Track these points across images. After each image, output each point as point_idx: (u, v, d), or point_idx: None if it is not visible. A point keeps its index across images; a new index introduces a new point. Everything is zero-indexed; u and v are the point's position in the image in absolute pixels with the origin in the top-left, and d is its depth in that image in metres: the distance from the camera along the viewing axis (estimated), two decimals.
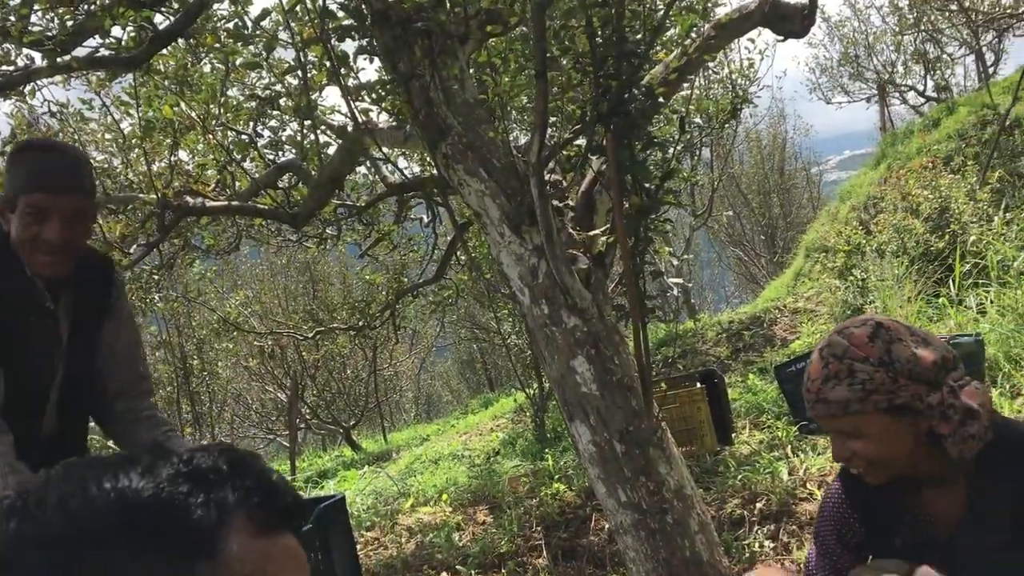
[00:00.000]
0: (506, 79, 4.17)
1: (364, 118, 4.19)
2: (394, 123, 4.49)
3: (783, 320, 9.10)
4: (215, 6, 4.15)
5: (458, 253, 6.57)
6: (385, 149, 5.05)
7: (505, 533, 4.79)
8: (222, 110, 4.71)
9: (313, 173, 4.75)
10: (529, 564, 4.43)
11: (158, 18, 3.62)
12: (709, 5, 4.75)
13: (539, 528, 4.77)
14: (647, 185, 3.03)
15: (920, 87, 18.20)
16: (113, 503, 0.67)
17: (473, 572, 4.42)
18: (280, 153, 5.00)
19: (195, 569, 0.67)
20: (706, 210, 12.58)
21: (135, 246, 5.11)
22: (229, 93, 4.86)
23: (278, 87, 4.58)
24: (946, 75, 17.56)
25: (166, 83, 4.65)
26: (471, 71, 3.39)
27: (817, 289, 9.57)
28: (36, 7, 3.55)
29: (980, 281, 6.40)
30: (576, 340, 3.09)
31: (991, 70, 16.44)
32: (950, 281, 6.65)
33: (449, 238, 6.47)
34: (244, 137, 4.81)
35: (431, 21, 2.96)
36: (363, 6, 3.00)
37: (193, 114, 4.75)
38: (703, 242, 21.13)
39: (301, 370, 13.77)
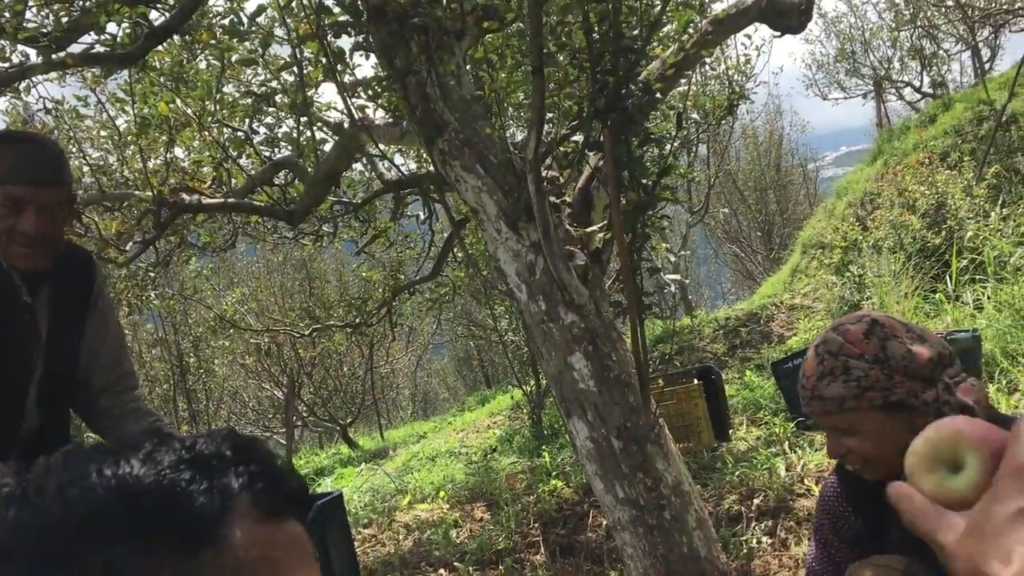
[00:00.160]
0: (503, 75, 4.16)
1: (360, 115, 4.18)
2: (390, 119, 4.49)
3: (780, 316, 9.11)
4: (211, 2, 4.14)
5: (455, 250, 6.56)
6: (381, 146, 5.04)
7: (503, 530, 4.79)
8: (218, 107, 4.70)
9: (309, 170, 4.74)
10: (527, 560, 4.43)
11: (153, 14, 3.61)
12: (706, 1, 4.74)
13: (536, 525, 4.77)
14: (644, 181, 3.03)
15: (916, 83, 18.23)
16: (114, 490, 0.66)
17: (471, 569, 4.42)
18: (276, 150, 5.00)
19: (199, 556, 0.66)
20: (703, 207, 12.58)
21: (131, 243, 5.10)
22: (225, 90, 4.85)
23: (274, 84, 4.57)
24: (942, 71, 17.57)
25: (162, 80, 4.63)
26: (468, 67, 3.38)
27: (814, 285, 9.57)
28: (31, 3, 3.54)
29: (977, 277, 6.40)
30: (573, 336, 3.09)
31: (987, 66, 16.47)
32: (947, 277, 6.65)
33: (446, 235, 6.46)
34: (240, 134, 4.80)
35: (427, 17, 2.95)
36: (359, 2, 2.99)
37: (189, 111, 4.74)
38: (700, 239, 21.15)
39: (298, 367, 13.76)
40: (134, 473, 0.68)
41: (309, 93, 4.05)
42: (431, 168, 4.06)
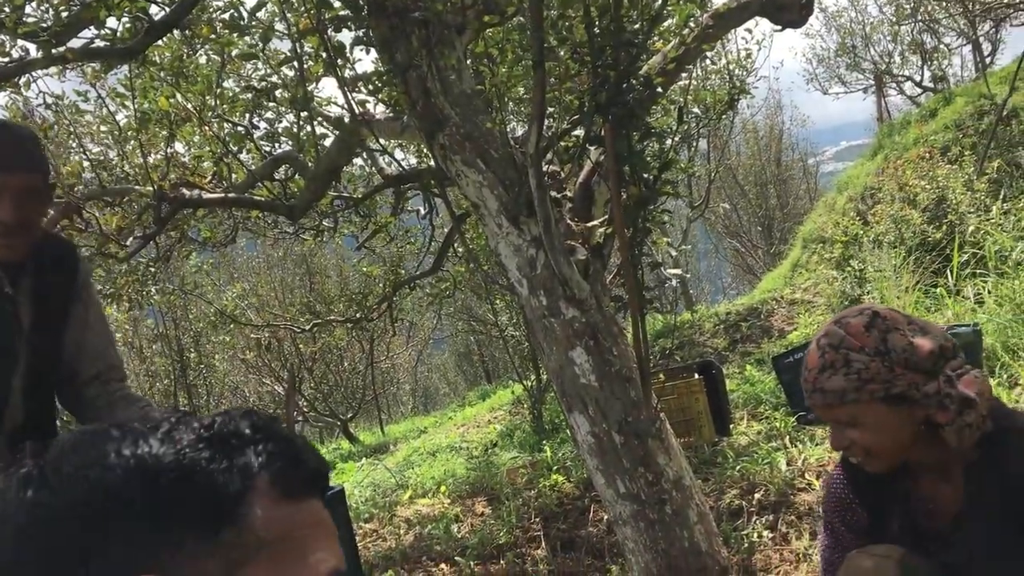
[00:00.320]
0: (503, 69, 4.16)
1: (361, 109, 4.17)
2: (391, 114, 4.48)
3: (780, 311, 9.10)
4: None
5: (455, 245, 6.56)
6: (382, 140, 5.04)
7: (503, 524, 4.79)
8: (218, 102, 4.69)
9: (310, 165, 4.73)
10: (528, 555, 4.43)
11: (153, 9, 3.60)
12: None
13: (537, 519, 4.78)
14: (645, 176, 3.03)
15: (917, 77, 18.24)
16: (133, 470, 0.66)
17: (472, 563, 4.42)
18: (276, 145, 4.99)
19: (219, 536, 0.66)
20: (703, 201, 12.56)
21: (131, 238, 5.09)
22: (225, 84, 4.84)
23: (274, 78, 4.56)
24: (943, 65, 17.58)
25: (162, 74, 4.63)
26: (468, 61, 3.38)
27: (814, 280, 9.57)
28: None
29: (978, 271, 6.40)
30: (575, 331, 3.09)
31: (988, 60, 16.46)
32: (948, 271, 6.65)
33: (446, 230, 6.46)
34: (240, 129, 4.79)
35: (428, 11, 2.95)
36: None
37: (189, 106, 4.73)
38: (700, 233, 21.14)
39: (298, 363, 13.76)
40: (153, 452, 0.67)
41: (309, 88, 4.04)
42: (432, 163, 4.06)
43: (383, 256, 8.38)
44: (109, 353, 2.35)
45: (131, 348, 13.27)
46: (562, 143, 3.88)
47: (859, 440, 1.68)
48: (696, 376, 5.40)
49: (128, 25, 3.62)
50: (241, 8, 3.66)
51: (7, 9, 3.40)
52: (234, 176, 5.11)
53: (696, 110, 7.02)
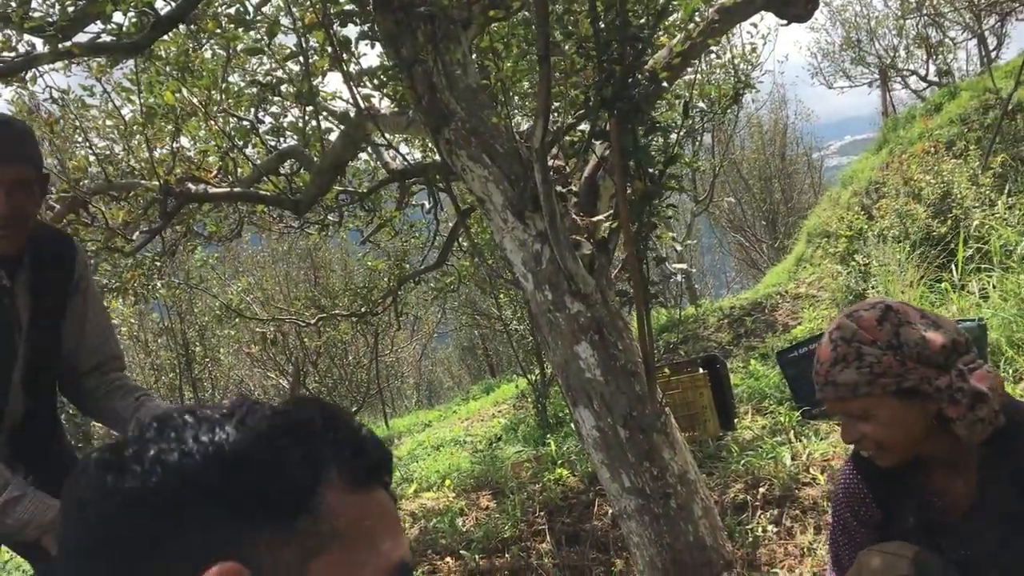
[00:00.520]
0: (509, 64, 4.16)
1: (366, 104, 4.17)
2: (396, 109, 4.48)
3: (784, 306, 9.10)
4: None
5: (460, 239, 6.56)
6: (387, 135, 5.04)
7: (508, 518, 4.81)
8: (224, 96, 4.69)
9: (315, 159, 4.74)
10: (532, 549, 4.45)
11: (159, 3, 3.60)
12: None
13: (542, 513, 4.79)
14: (650, 170, 3.03)
15: (922, 72, 18.15)
16: (212, 457, 0.67)
17: (477, 557, 4.44)
18: (282, 139, 4.99)
19: (294, 524, 0.67)
20: (707, 196, 12.55)
21: (137, 233, 5.10)
22: (231, 79, 4.84)
23: (279, 73, 4.56)
24: (948, 59, 17.49)
25: (167, 69, 4.63)
26: (474, 56, 3.38)
27: (818, 275, 9.56)
28: None
29: (983, 266, 6.39)
30: (580, 326, 3.09)
31: (993, 54, 16.37)
32: (952, 266, 6.64)
33: (451, 224, 6.46)
34: (246, 123, 4.80)
35: (434, 6, 2.95)
36: None
37: (195, 100, 4.73)
38: (704, 228, 21.11)
39: (303, 357, 13.77)
40: (231, 440, 0.68)
41: (315, 82, 4.04)
42: (437, 157, 4.06)
43: (388, 250, 8.38)
44: (108, 344, 2.36)
45: (136, 342, 13.30)
46: (567, 138, 3.89)
47: (871, 434, 1.69)
48: (700, 371, 5.41)
49: (134, 20, 3.62)
50: (247, 3, 3.67)
51: (13, 4, 3.41)
52: (240, 170, 5.12)
53: (701, 104, 7.02)
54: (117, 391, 2.32)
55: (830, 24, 18.91)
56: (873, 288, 7.11)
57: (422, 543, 4.82)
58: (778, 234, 19.50)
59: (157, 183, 4.37)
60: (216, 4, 4.21)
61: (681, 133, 3.62)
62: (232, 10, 3.83)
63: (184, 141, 5.20)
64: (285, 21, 3.83)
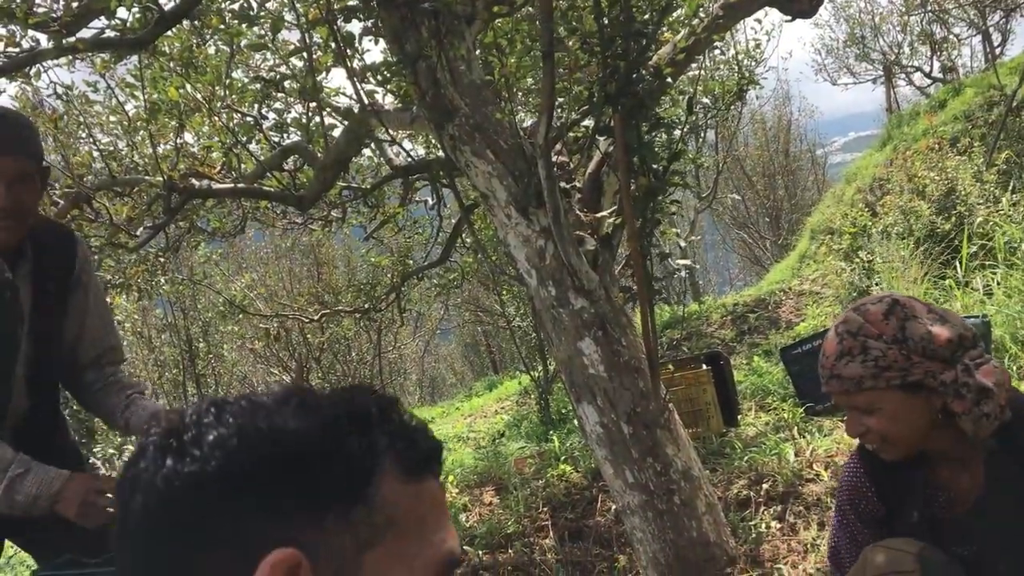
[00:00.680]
0: (512, 60, 4.16)
1: (370, 100, 4.17)
2: (400, 105, 4.48)
3: (788, 302, 9.09)
4: None
5: (464, 235, 6.56)
6: (391, 131, 5.04)
7: (512, 514, 4.81)
8: (227, 92, 4.70)
9: (319, 155, 4.74)
10: (536, 544, 4.45)
11: None
12: None
13: (545, 509, 4.79)
14: (654, 166, 3.03)
15: (926, 68, 18.11)
16: (273, 443, 0.67)
17: (480, 552, 4.44)
18: (285, 135, 4.99)
19: (351, 514, 0.67)
20: (711, 192, 12.53)
21: (141, 229, 5.10)
22: (234, 75, 4.84)
23: (283, 69, 4.56)
24: (953, 56, 17.46)
25: (171, 65, 4.63)
26: (477, 52, 3.38)
27: (822, 271, 9.55)
28: None
29: (987, 263, 6.38)
30: (583, 322, 3.09)
31: (998, 51, 16.34)
32: (956, 263, 6.63)
33: (454, 220, 6.46)
34: (249, 119, 4.80)
35: (438, 1, 2.94)
36: None
37: (199, 96, 4.74)
38: (707, 224, 21.10)
39: (306, 353, 13.79)
40: (291, 427, 0.68)
41: (319, 78, 4.04)
42: (440, 153, 4.06)
43: (391, 246, 8.39)
44: (108, 336, 2.37)
45: (140, 338, 13.32)
46: (571, 134, 3.88)
47: (875, 427, 1.69)
48: (704, 367, 5.41)
49: (138, 15, 3.63)
50: None
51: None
52: (243, 166, 5.12)
53: (705, 101, 7.01)
54: (111, 386, 2.33)
55: (834, 20, 18.85)
56: (877, 285, 7.10)
57: None
58: (782, 231, 19.48)
59: (161, 179, 4.37)
60: (220, 0, 4.21)
61: (685, 129, 3.62)
62: (236, 6, 3.83)
63: (188, 137, 5.21)
64: (289, 17, 3.83)
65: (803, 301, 8.86)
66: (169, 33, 4.09)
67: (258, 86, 4.68)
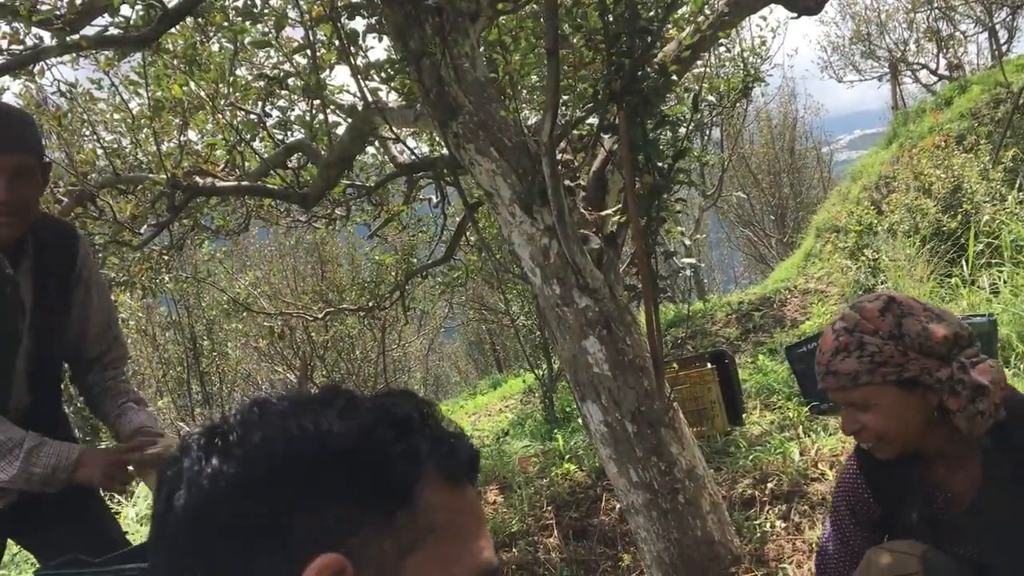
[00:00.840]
0: (517, 57, 4.14)
1: (374, 97, 4.16)
2: (404, 102, 4.47)
3: (793, 301, 9.07)
4: None
5: (468, 233, 6.55)
6: (395, 129, 5.04)
7: (516, 513, 4.80)
8: (231, 89, 4.69)
9: (323, 153, 4.73)
10: (540, 543, 4.44)
11: None
12: None
13: (550, 508, 4.78)
14: (659, 164, 3.01)
15: (932, 65, 18.08)
16: (318, 447, 0.67)
17: None
18: (289, 133, 4.99)
19: (393, 519, 0.67)
20: (716, 190, 12.51)
21: (145, 226, 5.10)
22: (238, 72, 4.84)
23: (287, 66, 4.55)
24: (959, 53, 17.43)
25: (175, 62, 4.63)
26: (482, 49, 3.37)
27: (828, 269, 9.52)
28: None
29: (993, 261, 6.36)
30: (588, 320, 3.08)
31: (1004, 47, 16.30)
32: (963, 261, 6.61)
33: (458, 218, 6.45)
34: (253, 117, 4.79)
35: None
36: None
37: (202, 93, 4.73)
38: (712, 222, 21.06)
39: (310, 351, 13.79)
40: (335, 430, 0.67)
41: (322, 76, 4.04)
42: (444, 151, 4.05)
43: (395, 245, 8.39)
44: (111, 332, 2.38)
45: (144, 336, 13.35)
46: (576, 131, 3.87)
47: (871, 424, 1.69)
48: (709, 366, 5.39)
49: (141, 13, 3.62)
50: None
51: None
52: (247, 164, 5.12)
53: (710, 98, 6.99)
54: (107, 392, 2.34)
55: (840, 17, 18.81)
56: (883, 283, 7.08)
57: None
58: (787, 229, 19.44)
59: (165, 177, 4.37)
60: None
61: (690, 127, 3.60)
62: (240, 3, 3.82)
63: (191, 135, 5.21)
64: (292, 14, 3.82)
65: (808, 299, 8.84)
66: (173, 30, 4.09)
67: (262, 83, 4.67)
